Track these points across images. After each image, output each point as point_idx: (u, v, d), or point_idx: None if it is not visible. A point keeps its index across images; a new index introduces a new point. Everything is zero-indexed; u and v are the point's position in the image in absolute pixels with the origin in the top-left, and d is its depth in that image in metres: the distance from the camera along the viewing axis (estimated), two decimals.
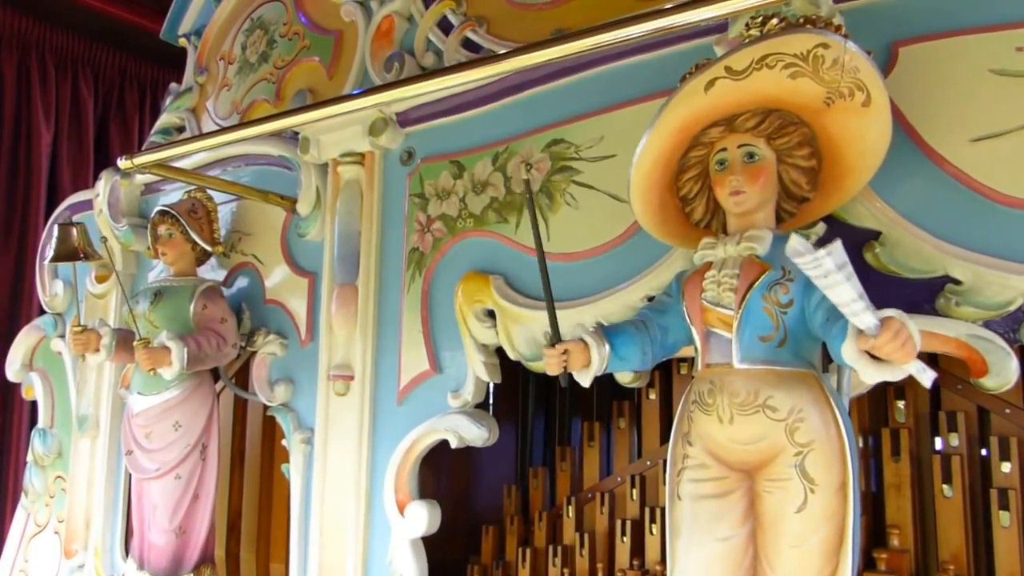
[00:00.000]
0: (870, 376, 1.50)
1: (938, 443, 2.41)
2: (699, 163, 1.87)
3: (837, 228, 1.93)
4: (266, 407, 3.16)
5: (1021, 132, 1.76)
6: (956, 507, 2.30)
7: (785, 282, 1.70)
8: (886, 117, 1.71)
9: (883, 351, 1.44)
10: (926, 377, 1.45)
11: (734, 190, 1.78)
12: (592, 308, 2.28)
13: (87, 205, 3.84)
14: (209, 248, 3.16)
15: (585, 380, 1.86)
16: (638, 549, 2.76)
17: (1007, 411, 2.31)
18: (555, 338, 1.85)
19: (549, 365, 1.85)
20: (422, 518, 2.59)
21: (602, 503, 2.89)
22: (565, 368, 1.84)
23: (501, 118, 2.59)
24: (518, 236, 2.50)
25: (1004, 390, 1.83)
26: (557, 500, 3.08)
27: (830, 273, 1.40)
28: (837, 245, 1.38)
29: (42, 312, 4.07)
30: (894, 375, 1.49)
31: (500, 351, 2.52)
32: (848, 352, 1.51)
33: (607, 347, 1.85)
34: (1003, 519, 2.21)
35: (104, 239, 3.45)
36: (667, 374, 2.86)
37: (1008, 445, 2.26)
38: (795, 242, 1.40)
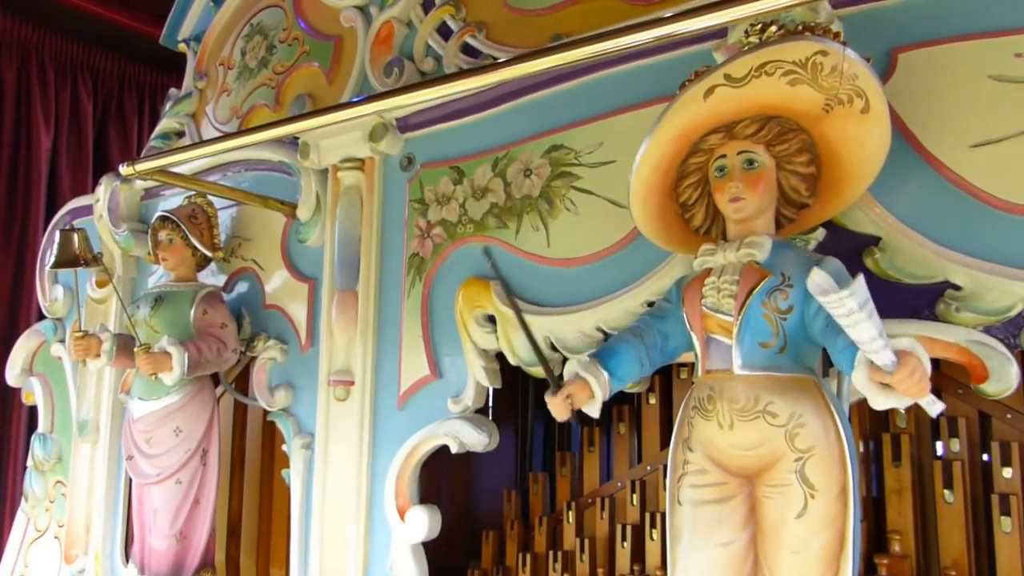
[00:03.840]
0: (880, 404, 1.52)
1: (939, 448, 2.41)
2: (699, 169, 1.87)
3: (836, 234, 1.93)
4: (266, 412, 3.16)
5: (1020, 138, 1.77)
6: (957, 512, 2.30)
7: (785, 288, 1.71)
8: (885, 123, 1.72)
9: (899, 387, 1.45)
10: (935, 409, 1.47)
11: (733, 196, 1.78)
12: (592, 314, 2.28)
13: (87, 210, 3.84)
14: (209, 253, 3.16)
15: (594, 411, 1.88)
16: (638, 554, 2.76)
17: (1008, 416, 2.31)
18: (555, 387, 1.87)
19: (556, 413, 1.87)
20: (422, 523, 2.59)
21: (602, 508, 2.89)
22: (572, 409, 1.86)
23: (501, 123, 2.59)
24: (518, 242, 2.50)
25: (1005, 395, 1.83)
26: (557, 505, 3.08)
27: (853, 312, 1.39)
28: (860, 283, 1.38)
29: (42, 317, 4.07)
30: (902, 404, 1.51)
31: (500, 356, 2.52)
32: (859, 380, 1.53)
33: (605, 374, 1.87)
34: (1004, 524, 2.21)
35: (100, 255, 3.43)
36: (667, 379, 2.86)
37: (1009, 450, 2.26)
38: (819, 278, 1.39)
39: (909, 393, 1.46)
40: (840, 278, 1.40)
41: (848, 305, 1.38)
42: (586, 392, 1.86)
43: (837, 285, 1.37)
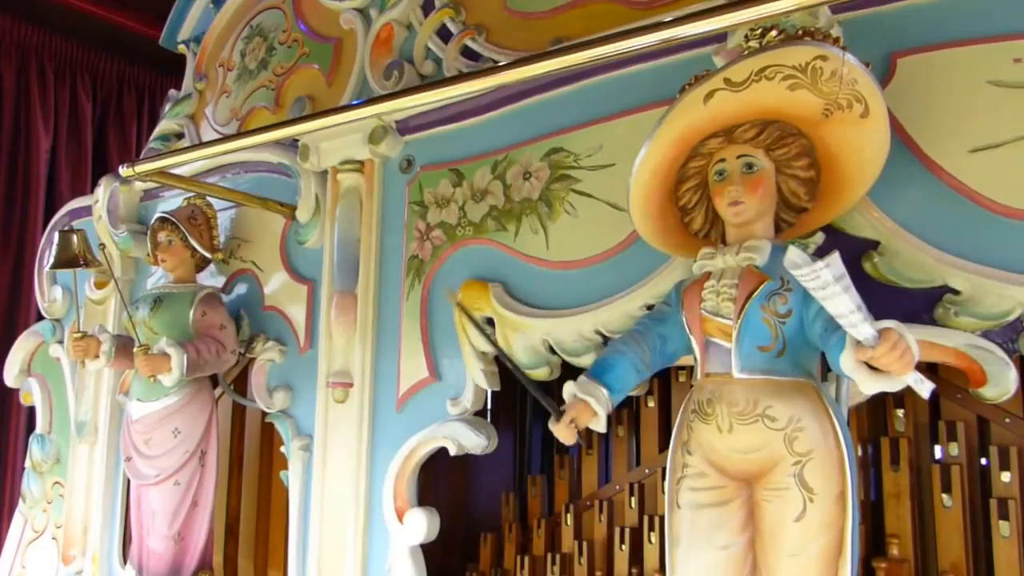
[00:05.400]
0: (868, 387, 1.51)
1: (938, 452, 2.41)
2: (698, 173, 1.88)
3: (836, 238, 1.93)
4: (265, 413, 3.15)
5: (1019, 143, 1.77)
6: (956, 517, 2.30)
7: (784, 292, 1.71)
8: (884, 128, 1.72)
9: (881, 362, 1.45)
10: (924, 388, 1.46)
11: (733, 200, 1.79)
12: (591, 317, 2.28)
13: (86, 211, 3.83)
14: (208, 255, 3.16)
15: (599, 427, 1.88)
16: (637, 557, 2.76)
17: (1007, 421, 2.31)
18: (557, 415, 1.87)
19: (563, 438, 1.87)
20: (421, 525, 2.59)
21: (600, 511, 2.89)
22: (578, 431, 1.86)
23: (500, 126, 2.59)
24: (517, 244, 2.51)
25: (1003, 400, 1.84)
26: (555, 508, 3.08)
27: (828, 285, 1.40)
28: (835, 257, 1.39)
29: (40, 317, 4.06)
30: (892, 386, 1.50)
31: (499, 359, 2.51)
32: (846, 363, 1.53)
33: (604, 391, 1.86)
34: (1003, 529, 2.21)
35: (103, 245, 3.45)
36: (666, 382, 2.86)
37: (1008, 455, 2.26)
38: (793, 254, 1.41)
39: (892, 368, 1.45)
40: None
41: (823, 277, 1.39)
42: (588, 412, 1.85)
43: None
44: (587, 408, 1.85)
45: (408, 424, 2.67)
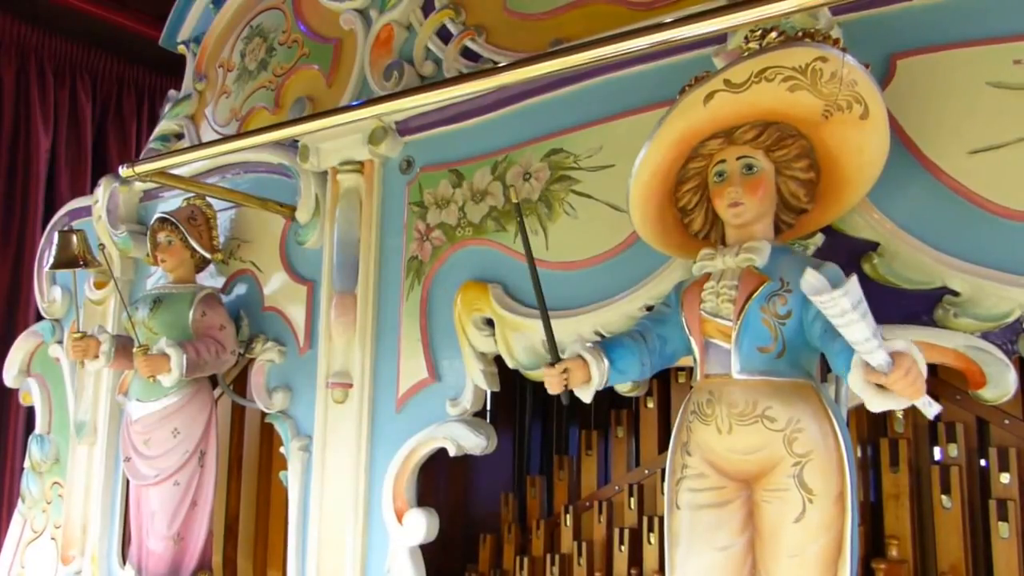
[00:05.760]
0: (876, 406, 1.50)
1: (937, 453, 2.41)
2: (698, 175, 1.88)
3: (835, 239, 1.94)
4: (264, 414, 3.15)
5: (1019, 144, 1.77)
6: (955, 518, 2.30)
7: (783, 293, 1.71)
8: (884, 129, 1.72)
9: (895, 388, 1.44)
10: (931, 410, 1.46)
11: (733, 201, 1.79)
12: (590, 317, 2.28)
13: (86, 211, 3.84)
14: (208, 255, 3.16)
15: (586, 396, 1.87)
16: (636, 558, 2.76)
17: (1006, 422, 2.31)
18: (554, 357, 1.85)
19: (550, 385, 1.85)
20: (420, 526, 2.59)
21: (600, 512, 2.88)
22: (566, 386, 1.84)
23: (500, 127, 2.59)
24: (516, 245, 2.50)
25: (1002, 401, 1.84)
26: (555, 508, 3.08)
27: (846, 312, 1.38)
28: (853, 283, 1.37)
29: (40, 318, 4.06)
30: (899, 405, 1.49)
31: (498, 359, 2.52)
32: (855, 382, 1.51)
33: (606, 362, 1.85)
34: (1002, 530, 2.21)
35: (102, 245, 3.45)
36: (665, 383, 2.86)
37: (1007, 456, 2.26)
38: (812, 278, 1.38)
39: (904, 394, 1.45)
40: (836, 280, 1.40)
41: (841, 305, 1.38)
42: (583, 373, 1.84)
43: (830, 285, 1.38)
44: (584, 368, 1.84)
45: (407, 425, 2.67)
